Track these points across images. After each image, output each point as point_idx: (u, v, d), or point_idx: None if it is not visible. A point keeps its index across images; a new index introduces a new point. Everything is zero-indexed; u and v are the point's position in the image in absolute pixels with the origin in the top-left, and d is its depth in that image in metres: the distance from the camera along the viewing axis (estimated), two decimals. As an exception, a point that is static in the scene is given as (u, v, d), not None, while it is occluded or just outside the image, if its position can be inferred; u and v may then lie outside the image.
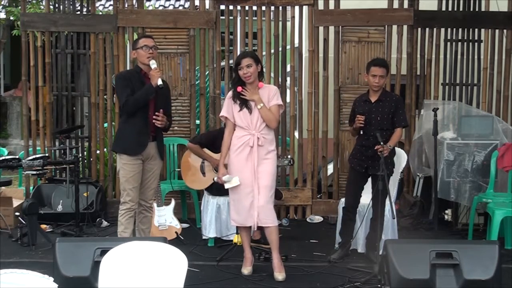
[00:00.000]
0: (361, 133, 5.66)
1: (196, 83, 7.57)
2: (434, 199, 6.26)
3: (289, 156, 6.64)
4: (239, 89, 5.24)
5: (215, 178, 5.56)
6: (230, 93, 5.37)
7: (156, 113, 5.27)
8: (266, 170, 5.22)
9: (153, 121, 5.27)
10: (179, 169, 6.83)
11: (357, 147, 5.79)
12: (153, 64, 5.26)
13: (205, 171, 6.38)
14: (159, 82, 5.21)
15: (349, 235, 5.76)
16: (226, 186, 5.25)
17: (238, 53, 7.34)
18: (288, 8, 7.37)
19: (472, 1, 7.35)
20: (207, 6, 7.57)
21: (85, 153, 7.62)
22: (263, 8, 7.39)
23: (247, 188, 5.19)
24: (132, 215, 5.34)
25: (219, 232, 6.24)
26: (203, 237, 6.26)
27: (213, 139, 6.40)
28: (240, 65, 5.20)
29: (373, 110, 5.63)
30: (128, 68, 7.76)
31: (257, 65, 5.24)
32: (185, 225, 6.83)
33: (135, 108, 5.23)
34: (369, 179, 5.73)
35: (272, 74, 7.63)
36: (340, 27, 7.34)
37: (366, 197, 5.71)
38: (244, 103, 5.23)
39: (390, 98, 5.73)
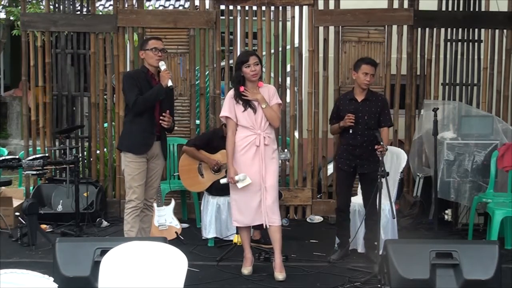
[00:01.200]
0: (350, 132, 5.64)
1: (196, 83, 7.58)
2: (434, 199, 6.26)
3: (285, 150, 6.64)
4: (242, 89, 5.23)
5: (223, 180, 5.50)
6: (231, 93, 5.35)
7: (163, 114, 5.32)
8: (272, 169, 5.24)
9: (160, 121, 5.31)
10: (177, 173, 6.81)
11: (343, 146, 5.77)
12: (162, 65, 5.33)
13: (203, 173, 6.38)
14: (169, 83, 5.27)
15: (347, 235, 5.76)
16: (239, 185, 5.20)
17: (238, 53, 7.34)
18: (288, 8, 7.37)
19: (472, 1, 7.34)
20: (207, 6, 7.57)
21: (85, 153, 7.61)
22: (263, 8, 7.39)
23: (254, 188, 5.19)
24: (138, 214, 5.36)
25: (219, 232, 6.24)
26: (203, 237, 6.26)
27: (208, 141, 6.43)
28: (248, 62, 5.19)
29: (360, 109, 5.63)
30: (128, 68, 7.78)
31: (260, 64, 5.27)
32: (185, 225, 6.83)
33: (145, 107, 5.27)
34: (358, 179, 5.75)
35: (272, 74, 7.63)
36: (340, 27, 7.34)
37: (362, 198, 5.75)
38: (248, 103, 5.22)
39: (376, 97, 5.74)
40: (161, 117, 5.31)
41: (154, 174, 5.47)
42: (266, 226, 5.26)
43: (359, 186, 5.91)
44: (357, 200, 5.90)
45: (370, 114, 5.62)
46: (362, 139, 5.56)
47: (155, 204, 6.09)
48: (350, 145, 5.66)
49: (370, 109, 5.63)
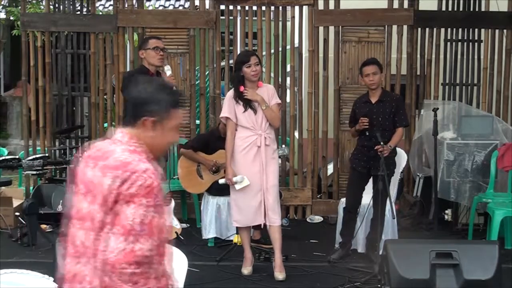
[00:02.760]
0: (367, 134, 5.64)
1: (196, 83, 7.57)
2: (434, 199, 6.26)
3: (283, 146, 6.64)
4: (242, 88, 5.23)
5: (221, 181, 5.51)
6: (230, 93, 5.35)
7: None
8: (273, 169, 5.26)
9: None
10: (176, 177, 6.80)
11: (359, 147, 5.79)
12: (168, 70, 5.30)
13: (202, 174, 6.38)
14: None
15: (350, 235, 5.77)
16: (237, 186, 5.21)
17: (238, 53, 7.34)
18: (288, 8, 7.37)
19: (472, 1, 7.34)
20: (207, 6, 7.57)
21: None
22: (263, 8, 7.39)
23: (255, 188, 5.19)
24: None
25: (219, 232, 6.24)
26: (203, 237, 6.26)
27: (205, 142, 6.43)
28: (248, 62, 5.18)
29: (374, 111, 5.63)
30: (128, 68, 7.78)
31: (260, 64, 5.28)
32: (185, 225, 6.83)
33: None
34: (370, 180, 5.73)
35: (272, 74, 7.63)
36: (340, 27, 7.34)
37: (366, 197, 5.71)
38: (248, 104, 5.22)
39: (390, 98, 5.74)
40: None
41: None
42: (267, 225, 5.26)
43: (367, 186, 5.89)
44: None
45: (385, 115, 5.62)
46: (376, 141, 5.53)
47: None
48: (365, 146, 5.66)
49: (384, 110, 5.63)
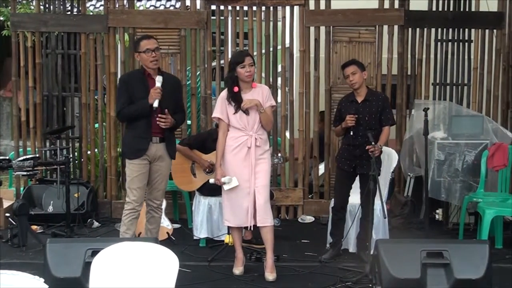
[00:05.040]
0: (351, 133, 5.65)
1: (187, 83, 7.57)
2: (425, 198, 6.28)
3: (279, 155, 6.65)
4: (236, 89, 5.21)
5: (211, 180, 5.51)
6: (223, 94, 5.33)
7: (160, 115, 5.19)
8: (263, 169, 5.23)
9: (157, 122, 5.20)
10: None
11: (344, 146, 5.80)
12: (158, 81, 5.17)
13: (196, 172, 6.37)
14: (155, 104, 5.13)
15: (340, 235, 5.78)
16: (225, 187, 5.21)
17: (229, 53, 7.34)
18: (279, 8, 7.38)
19: (462, 1, 7.38)
20: (198, 6, 7.56)
21: (75, 153, 7.59)
22: (254, 8, 7.39)
23: (245, 189, 5.18)
24: (136, 217, 5.28)
25: (210, 232, 6.24)
26: (195, 238, 6.26)
27: (202, 141, 6.41)
28: (243, 63, 5.17)
29: (360, 110, 5.65)
30: (119, 68, 7.78)
31: (254, 65, 5.28)
32: (177, 226, 6.82)
33: (129, 120, 5.28)
34: (357, 179, 5.75)
35: (263, 74, 7.63)
36: (331, 27, 7.35)
37: (356, 197, 5.73)
38: (240, 105, 5.20)
39: (376, 97, 5.76)
40: (158, 118, 5.20)
41: (158, 176, 5.37)
42: (250, 227, 5.26)
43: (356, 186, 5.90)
44: (349, 200, 5.90)
45: (371, 114, 5.64)
46: (363, 140, 5.55)
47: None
48: (351, 145, 5.67)
49: (370, 110, 5.65)
